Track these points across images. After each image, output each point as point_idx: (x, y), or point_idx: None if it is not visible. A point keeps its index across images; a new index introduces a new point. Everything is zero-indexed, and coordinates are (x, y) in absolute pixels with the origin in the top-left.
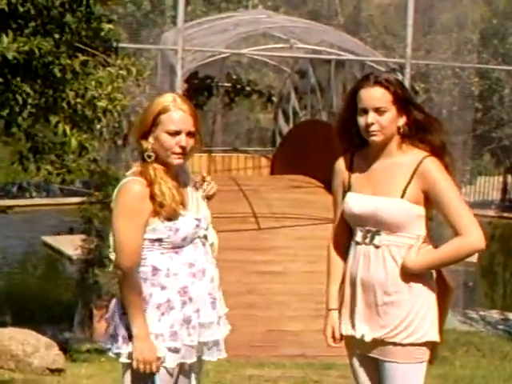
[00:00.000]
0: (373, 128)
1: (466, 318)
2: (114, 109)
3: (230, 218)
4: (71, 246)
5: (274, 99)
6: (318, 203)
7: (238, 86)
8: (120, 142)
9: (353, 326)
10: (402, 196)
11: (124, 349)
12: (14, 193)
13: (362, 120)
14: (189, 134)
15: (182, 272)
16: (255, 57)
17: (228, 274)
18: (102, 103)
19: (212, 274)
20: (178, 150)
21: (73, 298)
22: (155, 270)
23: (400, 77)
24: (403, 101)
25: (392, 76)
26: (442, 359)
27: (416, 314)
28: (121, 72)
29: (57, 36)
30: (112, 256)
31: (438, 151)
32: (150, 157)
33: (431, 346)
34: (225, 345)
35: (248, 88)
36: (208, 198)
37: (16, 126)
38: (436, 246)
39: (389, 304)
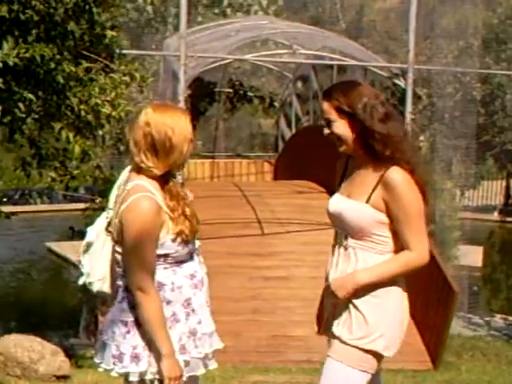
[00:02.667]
0: (331, 138)
1: (470, 323)
2: (118, 115)
3: (233, 223)
4: (75, 251)
5: (276, 104)
6: (321, 208)
7: (240, 92)
8: (122, 149)
9: (328, 326)
10: (367, 201)
11: (133, 368)
12: (17, 199)
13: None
14: None
15: (185, 284)
16: (257, 63)
17: (232, 279)
18: (105, 109)
19: (207, 282)
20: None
21: (78, 304)
22: (161, 285)
23: (402, 82)
24: (354, 113)
25: (347, 87)
26: (448, 364)
27: (370, 319)
28: (124, 78)
29: (60, 43)
30: (122, 277)
31: (405, 166)
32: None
33: (378, 357)
34: (230, 351)
35: (250, 93)
36: None
37: (20, 132)
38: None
39: (349, 305)
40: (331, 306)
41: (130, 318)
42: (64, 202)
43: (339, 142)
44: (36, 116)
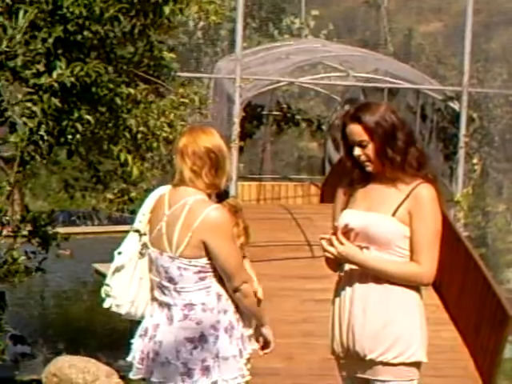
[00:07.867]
0: (362, 159)
1: None
2: (174, 137)
3: (283, 246)
4: None
5: (324, 128)
6: None
7: (288, 115)
8: (171, 171)
9: (342, 345)
10: (394, 214)
11: (204, 381)
12: (64, 221)
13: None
14: None
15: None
16: (308, 86)
17: (284, 302)
18: (163, 131)
19: None
20: None
21: (125, 325)
22: (219, 296)
23: (456, 105)
24: (382, 133)
25: (372, 108)
26: None
27: (404, 334)
28: (182, 100)
29: (118, 65)
30: (179, 294)
31: (430, 180)
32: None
33: (419, 365)
34: (282, 374)
35: (298, 116)
36: None
37: (78, 154)
38: None
39: (378, 323)
40: (357, 327)
41: (197, 334)
42: (109, 224)
43: (368, 163)
44: (94, 138)
